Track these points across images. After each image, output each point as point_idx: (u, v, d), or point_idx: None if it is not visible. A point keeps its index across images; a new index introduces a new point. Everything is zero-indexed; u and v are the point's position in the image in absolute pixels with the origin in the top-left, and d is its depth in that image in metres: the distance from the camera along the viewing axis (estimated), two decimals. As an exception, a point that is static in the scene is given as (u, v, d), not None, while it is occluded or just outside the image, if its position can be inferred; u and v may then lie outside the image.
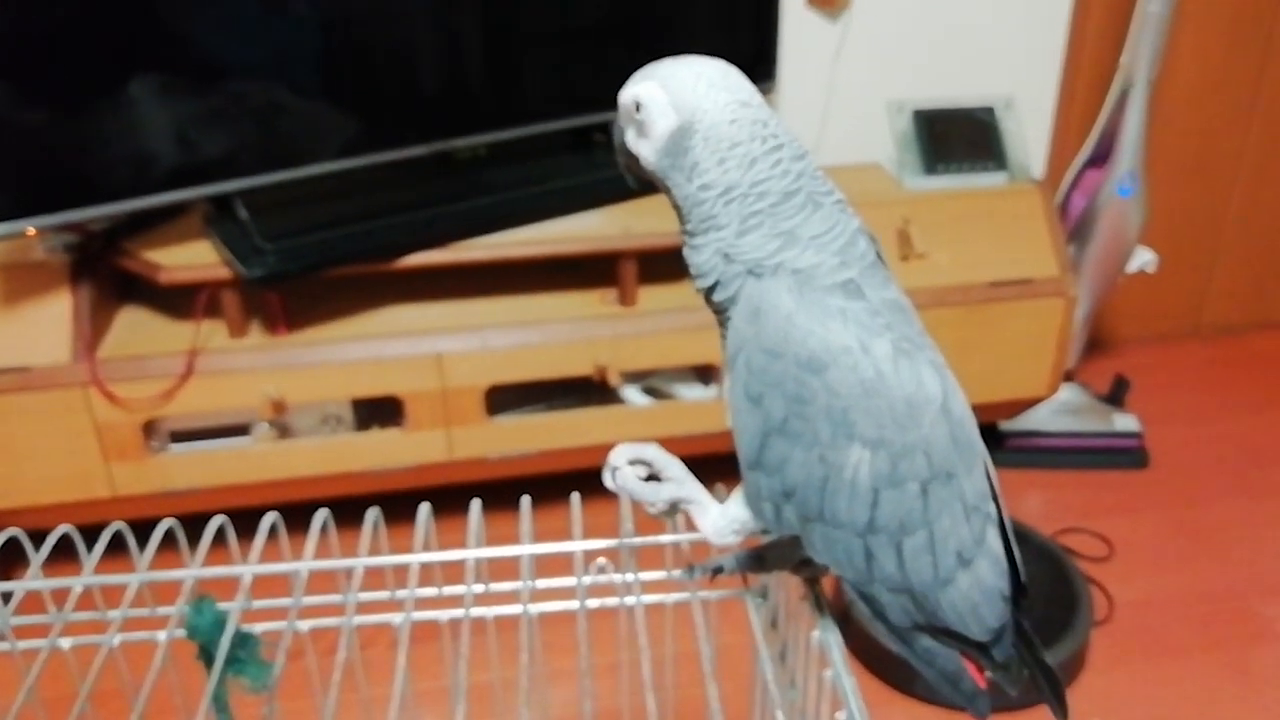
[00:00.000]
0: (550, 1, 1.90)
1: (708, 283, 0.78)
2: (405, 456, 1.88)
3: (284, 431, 1.87)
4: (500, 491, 1.23)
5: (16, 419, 1.72)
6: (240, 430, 1.85)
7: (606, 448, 2.09)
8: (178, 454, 1.82)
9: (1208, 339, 2.77)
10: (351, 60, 1.80)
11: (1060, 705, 0.84)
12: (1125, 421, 2.30)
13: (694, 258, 0.78)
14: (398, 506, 1.22)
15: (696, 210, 0.76)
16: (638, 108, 0.77)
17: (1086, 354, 2.47)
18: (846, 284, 0.74)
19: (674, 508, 0.86)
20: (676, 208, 0.79)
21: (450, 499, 1.33)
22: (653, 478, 0.86)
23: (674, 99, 0.75)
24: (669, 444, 2.07)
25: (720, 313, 0.79)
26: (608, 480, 0.86)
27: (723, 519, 0.84)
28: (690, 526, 0.92)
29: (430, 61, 1.86)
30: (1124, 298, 2.60)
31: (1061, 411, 2.30)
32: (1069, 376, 2.31)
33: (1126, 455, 2.27)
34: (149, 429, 1.79)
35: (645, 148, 0.78)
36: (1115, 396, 2.37)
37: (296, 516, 1.10)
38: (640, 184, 0.84)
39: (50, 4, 1.53)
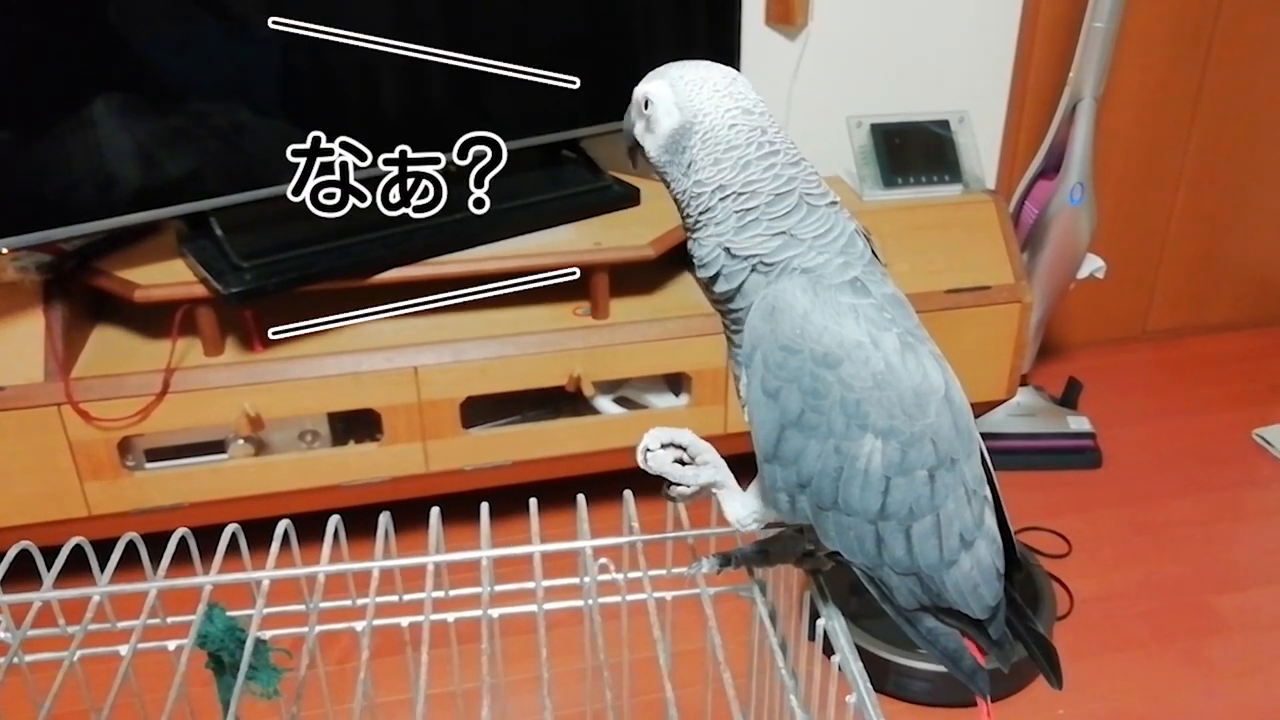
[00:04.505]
0: (512, 22, 1.92)
1: (710, 273, 0.81)
2: (382, 470, 1.89)
3: (260, 448, 1.87)
4: (477, 502, 1.23)
5: (-10, 439, 1.71)
6: (216, 447, 1.85)
7: (580, 458, 2.13)
8: (153, 472, 1.82)
9: (1153, 342, 2.87)
10: (315, 80, 1.81)
11: (1055, 673, 0.88)
12: (1079, 423, 2.38)
13: (696, 250, 0.82)
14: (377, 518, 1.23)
15: (693, 203, 0.81)
16: (646, 104, 0.81)
17: (1039, 358, 2.55)
18: (853, 282, 0.78)
19: (701, 491, 0.89)
20: (675, 201, 0.83)
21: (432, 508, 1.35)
22: (680, 461, 0.89)
23: (679, 99, 0.79)
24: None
25: (722, 303, 0.83)
26: (641, 460, 0.88)
27: (744, 509, 0.88)
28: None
29: (394, 81, 1.87)
30: (1074, 304, 2.69)
31: (1018, 414, 2.38)
32: (1024, 380, 2.38)
33: (1081, 455, 2.35)
34: (124, 448, 1.78)
35: (650, 142, 0.82)
36: (1068, 399, 2.44)
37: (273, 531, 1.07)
38: (623, 186, 0.87)
39: (17, 26, 1.54)
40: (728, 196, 0.79)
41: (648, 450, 0.88)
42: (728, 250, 0.80)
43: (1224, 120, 2.62)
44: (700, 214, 0.80)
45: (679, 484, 0.88)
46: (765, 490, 0.85)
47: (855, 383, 0.76)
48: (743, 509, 0.89)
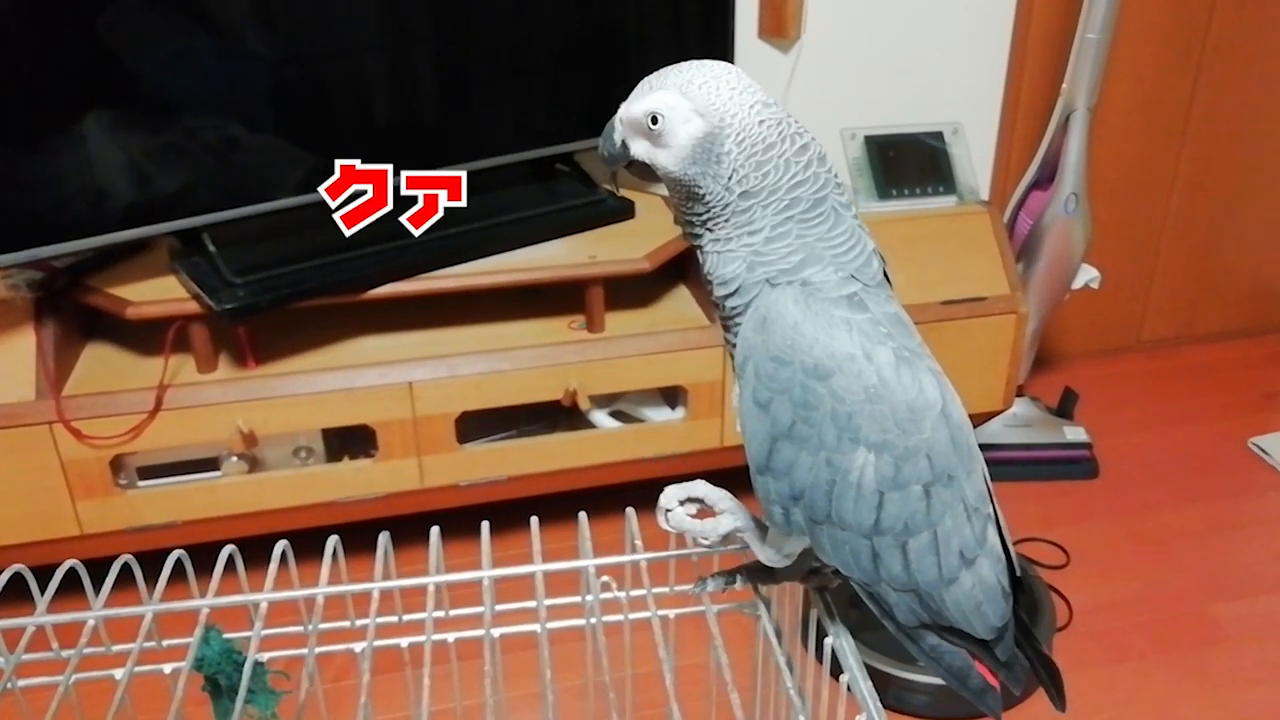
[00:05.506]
0: (505, 36, 1.92)
1: (729, 290, 0.78)
2: (377, 486, 1.88)
3: (254, 465, 1.86)
4: (474, 518, 1.22)
5: (-19, 458, 1.69)
6: (210, 465, 1.83)
7: (576, 472, 2.12)
8: (146, 490, 1.80)
9: (1148, 352, 2.87)
10: (308, 96, 1.80)
11: (1059, 695, 0.87)
12: (1075, 433, 2.37)
13: (721, 268, 0.78)
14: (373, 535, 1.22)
15: (735, 217, 0.77)
16: (654, 120, 0.76)
17: (1035, 369, 2.55)
18: (851, 297, 0.77)
19: (726, 539, 0.89)
20: (700, 216, 0.78)
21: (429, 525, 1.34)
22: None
23: (697, 105, 0.75)
24: (638, 467, 2.09)
25: (729, 318, 0.81)
26: (662, 522, 0.87)
27: (771, 545, 0.87)
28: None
29: (388, 96, 1.87)
30: (1069, 314, 2.69)
31: (1014, 425, 2.37)
32: (1019, 391, 2.38)
33: (1078, 466, 2.34)
34: (116, 466, 1.77)
35: (665, 158, 0.77)
36: (1064, 409, 2.44)
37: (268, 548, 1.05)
38: (617, 199, 0.86)
39: (8, 41, 1.52)
40: (770, 203, 0.76)
41: (667, 511, 0.87)
42: (750, 264, 0.77)
43: (1216, 129, 2.62)
44: (738, 227, 0.77)
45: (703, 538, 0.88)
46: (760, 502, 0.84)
47: (847, 395, 0.75)
48: (769, 545, 0.88)
